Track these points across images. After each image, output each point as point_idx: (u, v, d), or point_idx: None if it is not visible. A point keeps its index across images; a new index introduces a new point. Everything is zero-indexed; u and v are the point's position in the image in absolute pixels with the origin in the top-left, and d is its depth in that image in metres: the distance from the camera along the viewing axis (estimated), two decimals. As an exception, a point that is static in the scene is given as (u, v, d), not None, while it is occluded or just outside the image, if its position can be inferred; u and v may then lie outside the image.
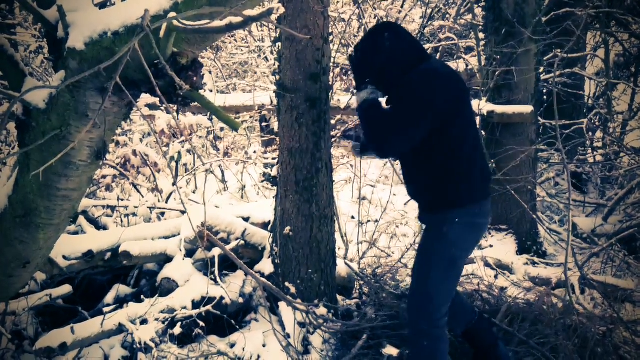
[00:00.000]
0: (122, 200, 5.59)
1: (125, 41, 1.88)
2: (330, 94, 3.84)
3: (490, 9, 5.64)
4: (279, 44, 3.82)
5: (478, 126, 5.51)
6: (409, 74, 2.92)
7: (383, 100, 3.10)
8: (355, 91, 3.06)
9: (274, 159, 6.66)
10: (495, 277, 4.81)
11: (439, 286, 2.99)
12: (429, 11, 9.04)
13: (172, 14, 1.73)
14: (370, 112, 2.98)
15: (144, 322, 3.75)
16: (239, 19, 1.67)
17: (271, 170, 6.81)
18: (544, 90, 7.51)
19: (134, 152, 5.75)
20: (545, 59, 6.56)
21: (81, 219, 5.00)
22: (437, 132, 2.85)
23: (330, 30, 4.01)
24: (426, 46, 8.24)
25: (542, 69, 6.28)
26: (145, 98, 5.38)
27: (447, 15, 8.98)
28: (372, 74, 3.07)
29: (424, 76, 2.89)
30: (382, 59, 3.02)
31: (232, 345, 3.76)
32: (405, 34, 3.09)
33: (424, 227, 3.19)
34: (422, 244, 3.09)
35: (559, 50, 5.95)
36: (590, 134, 8.42)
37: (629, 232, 5.36)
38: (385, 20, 8.02)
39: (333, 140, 4.46)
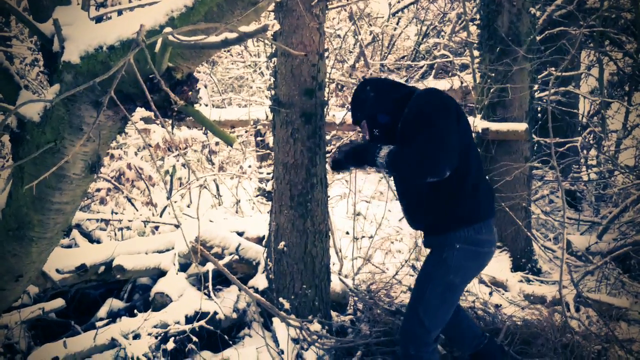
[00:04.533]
0: (116, 213, 5.58)
1: (120, 55, 1.88)
2: (325, 109, 3.85)
3: (485, 27, 5.68)
4: (274, 59, 3.83)
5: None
6: (408, 105, 2.95)
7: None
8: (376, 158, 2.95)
9: (268, 173, 6.65)
10: (490, 294, 4.80)
11: (431, 311, 2.98)
12: (424, 29, 9.11)
13: (168, 29, 1.73)
14: (397, 155, 2.84)
15: (136, 336, 3.72)
16: (234, 35, 1.67)
17: (266, 185, 6.81)
18: (539, 108, 7.54)
19: (129, 166, 5.74)
20: (539, 77, 6.60)
21: (75, 233, 4.98)
22: None
23: (326, 46, 4.02)
24: (421, 63, 8.29)
25: (536, 87, 6.31)
26: (141, 111, 5.39)
27: (442, 33, 9.05)
28: (374, 125, 3.11)
29: (430, 95, 2.95)
30: (372, 107, 3.09)
31: (225, 361, 3.74)
32: (382, 81, 3.24)
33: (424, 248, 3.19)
34: (422, 268, 3.10)
35: (553, 69, 5.99)
36: (585, 152, 8.45)
37: (623, 251, 5.36)
38: (378, 37, 8.06)
39: (328, 155, 4.46)
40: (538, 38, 5.93)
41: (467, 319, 3.42)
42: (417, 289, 3.06)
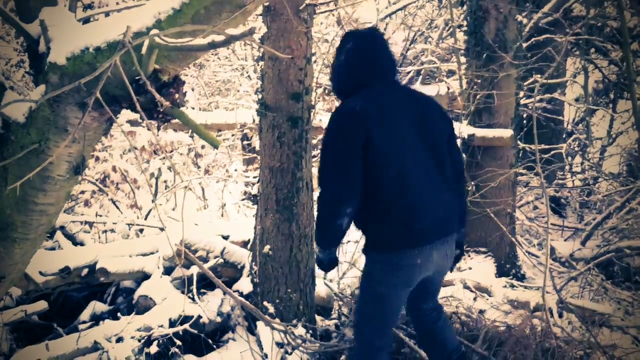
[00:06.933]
0: (101, 216, 5.55)
1: (106, 57, 1.88)
2: (312, 113, 3.85)
3: (471, 33, 5.70)
4: (261, 62, 3.83)
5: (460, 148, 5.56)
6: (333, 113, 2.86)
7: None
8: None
9: (255, 177, 6.65)
10: (474, 299, 4.81)
11: (367, 321, 2.98)
12: (411, 35, 9.13)
13: (155, 31, 1.73)
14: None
15: (119, 340, 3.71)
16: (221, 38, 1.67)
17: (252, 189, 6.80)
18: (524, 115, 7.58)
19: (114, 168, 5.72)
20: (525, 83, 6.63)
21: (58, 235, 4.95)
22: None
23: (314, 51, 4.03)
24: (408, 69, 8.31)
25: (522, 93, 6.34)
26: (127, 114, 5.37)
27: (430, 39, 9.07)
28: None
29: (336, 117, 2.84)
30: (333, 72, 3.00)
31: (209, 365, 3.73)
32: (369, 48, 2.89)
33: None
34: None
35: (539, 76, 6.02)
36: (569, 158, 8.50)
37: (606, 257, 5.39)
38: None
39: (314, 159, 4.47)
40: (524, 45, 5.96)
41: (442, 333, 3.21)
42: (356, 302, 3.10)
